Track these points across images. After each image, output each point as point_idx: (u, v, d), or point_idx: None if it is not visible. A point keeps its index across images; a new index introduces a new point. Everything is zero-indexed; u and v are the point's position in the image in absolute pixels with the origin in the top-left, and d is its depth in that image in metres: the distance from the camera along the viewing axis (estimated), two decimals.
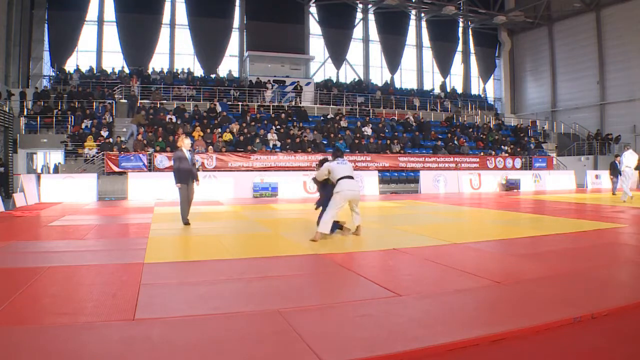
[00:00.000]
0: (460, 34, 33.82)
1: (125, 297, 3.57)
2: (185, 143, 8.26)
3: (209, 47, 27.41)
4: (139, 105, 20.67)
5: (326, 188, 6.51)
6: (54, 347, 2.66)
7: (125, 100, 22.21)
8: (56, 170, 18.41)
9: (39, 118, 19.57)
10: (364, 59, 31.98)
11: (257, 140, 19.49)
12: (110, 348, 2.62)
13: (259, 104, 24.46)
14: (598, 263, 5.00)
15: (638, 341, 2.78)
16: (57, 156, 19.73)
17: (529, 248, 5.93)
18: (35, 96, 20.84)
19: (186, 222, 8.15)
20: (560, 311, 3.18)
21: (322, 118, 23.64)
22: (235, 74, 27.96)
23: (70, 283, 4.15)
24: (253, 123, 21.26)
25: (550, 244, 6.18)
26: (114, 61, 26.16)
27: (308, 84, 27.16)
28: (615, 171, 15.74)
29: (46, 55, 25.00)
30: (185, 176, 8.17)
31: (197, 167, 8.68)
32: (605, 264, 4.94)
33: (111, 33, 26.29)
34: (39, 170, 22.26)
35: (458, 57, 33.93)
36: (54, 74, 24.67)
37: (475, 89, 34.87)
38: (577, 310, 3.17)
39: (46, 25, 24.90)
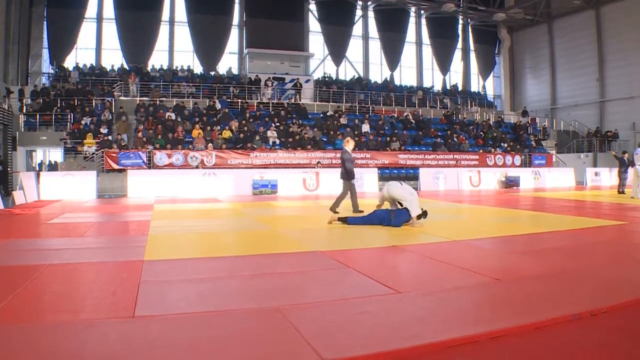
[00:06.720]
0: (460, 31, 33.78)
1: (125, 295, 3.55)
2: (351, 144, 9.66)
3: (209, 45, 27.37)
4: (121, 111, 20.27)
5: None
6: (54, 345, 2.65)
7: (125, 98, 22.21)
8: (51, 168, 18.29)
9: (38, 116, 19.56)
10: (364, 56, 31.95)
11: (257, 138, 19.49)
12: (110, 345, 2.61)
13: (258, 101, 24.43)
14: (598, 260, 5.00)
15: (636, 338, 2.78)
16: (55, 154, 19.66)
17: (528, 245, 5.93)
18: (35, 94, 20.81)
19: (360, 210, 9.01)
20: (559, 308, 3.18)
21: (321, 115, 23.63)
22: (235, 71, 27.92)
23: (69, 281, 4.13)
24: (252, 120, 21.25)
25: (550, 241, 6.17)
26: (114, 58, 26.19)
27: (307, 81, 27.12)
28: (623, 167, 15.29)
29: (45, 53, 24.98)
30: (354, 173, 9.59)
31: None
32: (605, 261, 4.94)
33: (110, 30, 26.27)
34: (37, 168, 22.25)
35: (458, 55, 33.89)
36: (53, 72, 24.64)
37: (474, 86, 34.84)
38: (576, 307, 3.17)
39: (45, 22, 24.88)
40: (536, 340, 2.71)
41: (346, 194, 9.53)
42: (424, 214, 7.38)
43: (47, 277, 4.15)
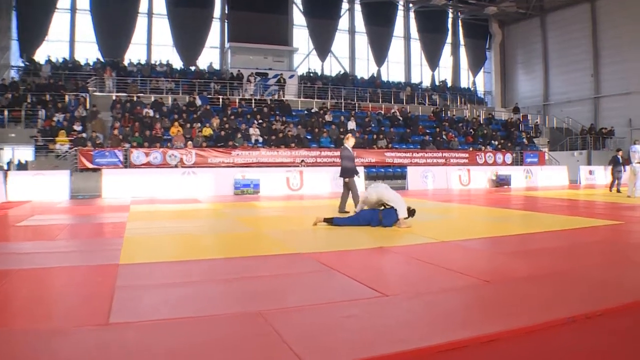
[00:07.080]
0: (449, 25, 33.49)
1: (99, 300, 3.44)
2: (351, 141, 9.65)
3: (189, 38, 26.84)
4: (94, 109, 19.70)
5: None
6: (24, 353, 2.56)
7: (100, 93, 21.70)
8: (20, 167, 17.63)
9: (6, 111, 18.88)
10: (350, 51, 31.73)
11: (239, 135, 19.20)
12: (84, 354, 2.52)
13: (240, 97, 24.12)
14: (592, 261, 4.96)
15: (633, 341, 2.73)
16: (26, 152, 18.94)
17: (519, 246, 5.89)
18: (3, 88, 20.12)
19: (345, 211, 8.87)
20: (553, 311, 3.11)
21: (306, 112, 23.44)
22: (216, 66, 27.54)
23: (41, 286, 4.02)
24: (234, 117, 20.92)
25: (542, 241, 6.12)
26: (88, 52, 25.44)
27: (291, 76, 26.90)
28: (618, 166, 15.02)
29: (14, 45, 24.03)
30: (353, 171, 9.58)
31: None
32: (599, 262, 4.90)
33: (85, 22, 25.51)
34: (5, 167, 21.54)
35: (447, 49, 33.63)
36: (22, 65, 23.80)
37: (464, 82, 34.65)
38: (570, 310, 3.10)
39: (14, 12, 23.83)
40: (529, 345, 2.65)
41: (356, 189, 9.60)
42: (411, 213, 7.35)
43: (17, 283, 4.03)
